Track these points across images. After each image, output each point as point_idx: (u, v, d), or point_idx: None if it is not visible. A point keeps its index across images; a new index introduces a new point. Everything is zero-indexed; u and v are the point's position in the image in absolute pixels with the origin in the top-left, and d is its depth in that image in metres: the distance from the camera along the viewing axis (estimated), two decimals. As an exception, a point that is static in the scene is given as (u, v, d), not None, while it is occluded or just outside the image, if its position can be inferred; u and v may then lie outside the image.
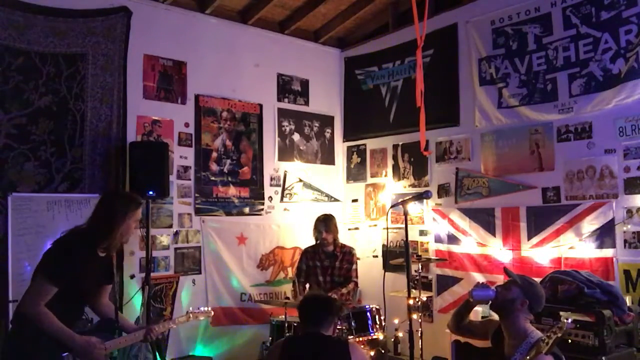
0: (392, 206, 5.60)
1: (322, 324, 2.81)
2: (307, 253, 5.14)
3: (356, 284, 4.99)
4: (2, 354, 2.85)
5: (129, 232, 3.02)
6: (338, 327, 4.16)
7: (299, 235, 6.01)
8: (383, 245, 6.00)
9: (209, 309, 3.44)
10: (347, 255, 5.02)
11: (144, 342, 3.16)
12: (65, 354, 2.78)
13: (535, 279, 3.46)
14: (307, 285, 4.58)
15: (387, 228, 3.96)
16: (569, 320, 2.32)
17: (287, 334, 4.16)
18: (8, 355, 2.82)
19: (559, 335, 2.32)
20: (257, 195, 5.85)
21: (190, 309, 3.41)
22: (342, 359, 2.68)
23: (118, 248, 3.15)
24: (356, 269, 5.04)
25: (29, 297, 2.77)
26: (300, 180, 6.23)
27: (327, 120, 6.59)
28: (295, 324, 4.31)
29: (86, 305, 3.11)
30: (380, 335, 4.31)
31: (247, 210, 5.75)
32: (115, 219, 2.93)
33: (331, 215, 5.20)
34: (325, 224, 5.00)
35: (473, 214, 5.18)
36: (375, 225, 6.17)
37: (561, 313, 3.57)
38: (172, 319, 3.67)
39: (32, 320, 2.73)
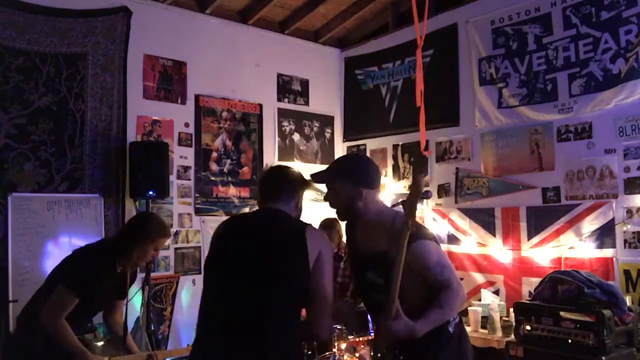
0: (392, 206, 5.56)
1: (281, 197, 2.39)
2: None
3: None
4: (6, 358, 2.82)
5: (146, 257, 3.02)
6: (338, 327, 4.11)
7: (298, 235, 5.98)
8: (383, 245, 5.98)
9: None
10: None
11: None
12: None
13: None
14: None
15: (387, 228, 3.92)
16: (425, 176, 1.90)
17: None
18: None
19: (414, 193, 1.81)
20: (257, 195, 5.84)
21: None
22: (294, 243, 2.19)
23: (134, 269, 3.15)
24: None
25: (50, 308, 2.69)
26: (300, 180, 6.21)
27: (327, 120, 6.58)
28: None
29: (93, 317, 3.11)
30: (380, 335, 4.27)
31: (247, 210, 5.75)
32: (139, 240, 2.93)
33: (334, 220, 4.73)
34: (327, 232, 4.66)
35: (473, 214, 5.18)
36: (375, 225, 6.15)
37: (561, 313, 3.57)
38: (173, 350, 4.09)
39: (48, 331, 2.67)
